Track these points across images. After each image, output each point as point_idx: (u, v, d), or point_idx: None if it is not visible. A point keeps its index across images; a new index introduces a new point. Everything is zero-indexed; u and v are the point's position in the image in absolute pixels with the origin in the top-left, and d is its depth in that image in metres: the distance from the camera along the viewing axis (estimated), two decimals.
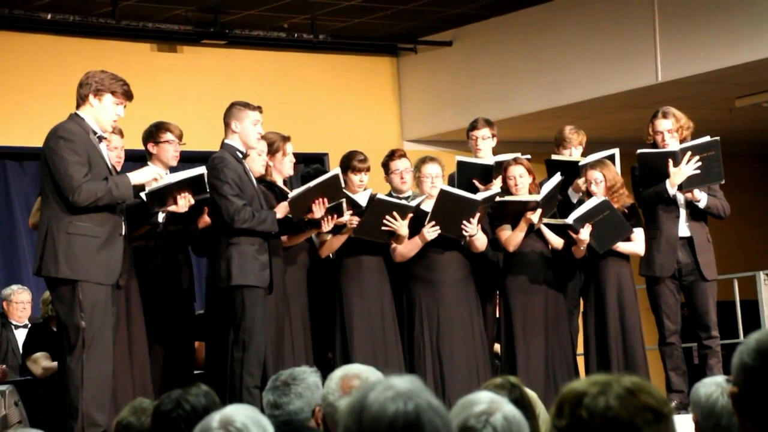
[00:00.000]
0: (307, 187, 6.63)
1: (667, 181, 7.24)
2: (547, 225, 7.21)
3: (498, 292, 7.58)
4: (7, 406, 6.98)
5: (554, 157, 7.67)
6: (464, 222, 7.01)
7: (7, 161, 10.20)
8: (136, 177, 6.09)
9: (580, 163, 7.53)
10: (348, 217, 6.84)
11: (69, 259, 5.84)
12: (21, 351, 8.53)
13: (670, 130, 7.35)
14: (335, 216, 6.74)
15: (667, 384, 7.41)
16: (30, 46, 10.10)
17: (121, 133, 6.78)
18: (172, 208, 6.30)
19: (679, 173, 7.21)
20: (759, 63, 9.60)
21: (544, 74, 10.75)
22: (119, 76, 6.12)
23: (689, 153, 7.22)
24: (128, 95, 6.09)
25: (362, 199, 6.97)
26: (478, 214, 7.04)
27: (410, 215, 7.03)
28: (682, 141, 7.41)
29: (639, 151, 7.38)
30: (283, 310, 6.83)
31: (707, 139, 7.32)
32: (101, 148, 6.08)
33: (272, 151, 6.98)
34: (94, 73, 6.08)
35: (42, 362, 7.72)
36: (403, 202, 7.17)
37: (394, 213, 7.00)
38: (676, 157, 7.22)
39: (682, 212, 7.34)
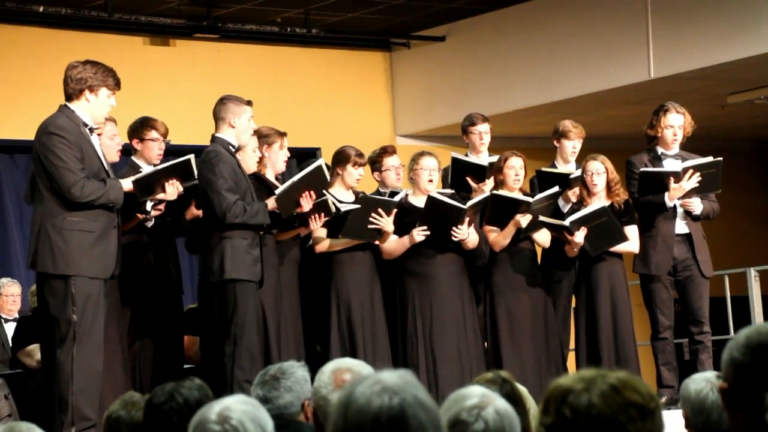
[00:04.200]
0: (292, 182, 6.63)
1: (666, 195, 7.25)
2: (544, 223, 7.21)
3: (484, 291, 7.59)
4: None
5: (544, 169, 7.68)
6: (453, 228, 7.01)
7: None
8: (127, 184, 6.09)
9: (571, 176, 7.54)
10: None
11: (65, 255, 5.83)
12: (11, 344, 8.51)
13: (681, 125, 7.37)
14: (322, 215, 6.74)
15: (658, 379, 7.42)
16: (22, 38, 10.08)
17: (114, 121, 6.76)
18: (160, 196, 6.29)
19: (678, 189, 7.23)
20: (751, 59, 9.61)
21: (538, 70, 10.75)
22: (106, 65, 6.10)
23: (691, 171, 7.24)
24: (119, 84, 6.09)
25: (346, 200, 6.98)
26: (467, 219, 7.04)
27: (395, 211, 7.03)
28: (683, 138, 7.42)
29: (642, 170, 7.35)
30: (279, 305, 6.83)
31: (710, 159, 7.33)
32: (93, 140, 6.06)
33: (268, 142, 6.99)
34: (83, 66, 6.04)
35: (36, 355, 7.69)
36: (387, 198, 7.17)
37: (380, 210, 6.99)
38: (678, 175, 7.23)
39: (679, 210, 7.35)
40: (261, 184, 6.92)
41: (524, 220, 7.12)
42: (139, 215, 6.54)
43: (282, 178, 7.31)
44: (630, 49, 10.13)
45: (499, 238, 7.23)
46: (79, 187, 5.84)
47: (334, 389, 3.56)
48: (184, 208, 6.77)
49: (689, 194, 7.28)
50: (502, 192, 7.23)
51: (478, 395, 2.70)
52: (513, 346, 7.23)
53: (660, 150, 7.43)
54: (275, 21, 10.90)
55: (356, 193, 7.23)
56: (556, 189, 7.33)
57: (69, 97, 6.03)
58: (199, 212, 6.68)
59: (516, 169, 7.24)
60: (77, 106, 6.01)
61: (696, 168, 7.25)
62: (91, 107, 6.01)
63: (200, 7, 10.42)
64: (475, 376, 5.34)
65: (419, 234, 7.04)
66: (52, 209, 5.89)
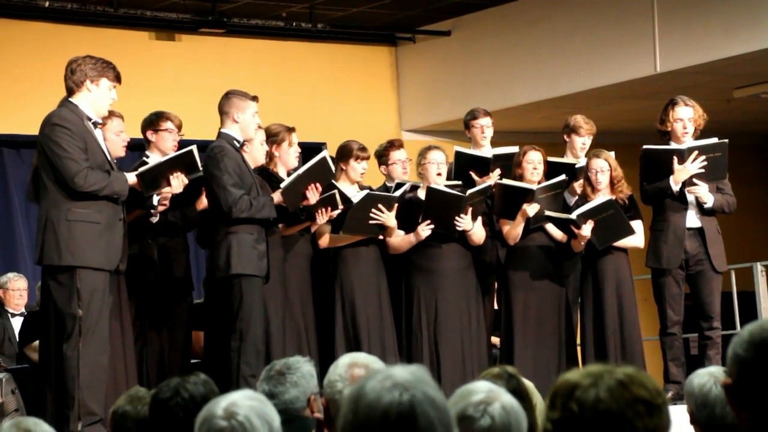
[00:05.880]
0: (297, 175, 6.64)
1: (671, 178, 7.25)
2: (551, 218, 7.21)
3: (497, 285, 7.59)
4: (4, 395, 6.99)
5: (551, 158, 7.68)
6: (456, 218, 7.02)
7: (5, 149, 10.20)
8: (132, 178, 6.09)
9: (576, 166, 7.54)
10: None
11: (70, 246, 5.83)
12: (18, 339, 8.53)
13: (691, 118, 7.35)
14: (329, 208, 6.75)
15: (665, 374, 7.42)
16: (28, 33, 10.09)
17: (121, 117, 6.78)
18: (166, 189, 6.28)
19: (683, 171, 7.21)
20: (757, 54, 9.60)
21: (543, 64, 10.74)
22: (106, 59, 6.11)
23: (696, 152, 7.22)
24: (119, 78, 6.11)
25: (352, 194, 6.99)
26: (469, 209, 7.05)
27: (396, 205, 7.04)
28: (695, 131, 7.41)
29: (644, 147, 7.36)
30: (284, 300, 6.84)
31: (715, 140, 7.31)
32: (97, 134, 6.07)
33: (277, 141, 7.00)
34: (83, 59, 6.06)
35: None
36: (388, 194, 7.18)
37: (380, 205, 7.00)
38: (682, 155, 7.22)
39: (689, 198, 7.33)
40: (270, 180, 6.93)
41: (531, 209, 7.13)
42: (137, 211, 6.52)
43: (293, 172, 7.34)
44: (636, 43, 10.12)
45: (510, 229, 7.25)
46: (82, 176, 5.84)
47: (351, 383, 3.56)
48: (191, 200, 6.78)
49: (696, 179, 7.26)
50: (505, 180, 7.24)
51: (484, 390, 2.70)
52: (526, 341, 7.24)
53: (673, 144, 7.42)
54: (280, 16, 10.90)
55: (362, 188, 7.23)
56: (562, 177, 7.33)
57: (71, 91, 6.04)
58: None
59: (534, 163, 7.26)
60: (79, 99, 6.01)
61: (701, 149, 7.24)
62: (93, 98, 6.01)
63: (205, 2, 10.42)
64: (478, 371, 5.34)
65: (424, 230, 7.05)
66: (57, 201, 5.89)
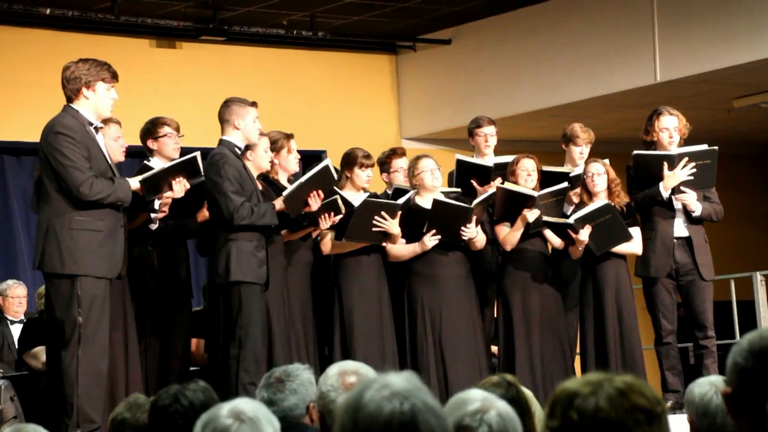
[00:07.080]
0: (300, 183, 6.65)
1: (661, 184, 7.26)
2: (548, 223, 7.22)
3: (496, 292, 7.59)
4: (3, 401, 6.98)
5: (545, 168, 7.69)
6: (462, 228, 7.03)
7: (5, 156, 10.20)
8: (134, 183, 6.09)
9: (571, 174, 7.55)
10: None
11: (73, 255, 5.82)
12: (17, 346, 8.53)
13: (676, 127, 7.38)
14: (332, 214, 6.76)
15: (662, 384, 7.42)
16: (28, 41, 10.10)
17: (119, 123, 6.77)
18: (168, 194, 6.28)
19: (673, 177, 7.23)
20: (758, 63, 9.61)
21: (543, 73, 10.75)
22: (99, 60, 6.10)
23: (686, 159, 7.24)
24: (116, 76, 6.09)
25: (357, 201, 6.99)
26: (474, 217, 7.06)
27: (399, 213, 7.04)
28: (680, 140, 7.43)
29: (635, 152, 7.38)
30: (286, 307, 6.83)
31: (705, 147, 7.33)
32: (98, 139, 6.06)
33: (276, 149, 7.01)
34: (75, 65, 6.05)
35: (42, 357, 7.71)
36: (390, 201, 7.18)
37: (383, 213, 7.00)
38: (672, 161, 7.24)
39: (676, 206, 7.35)
40: (272, 188, 6.94)
41: (531, 215, 7.15)
42: (143, 215, 6.54)
43: (294, 178, 7.36)
44: (636, 52, 10.13)
45: (509, 235, 7.25)
46: (87, 185, 5.84)
47: (343, 392, 3.55)
48: (193, 209, 6.78)
49: (684, 186, 7.27)
50: (507, 185, 7.25)
51: (479, 399, 2.70)
52: (526, 345, 7.24)
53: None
54: (281, 24, 10.91)
55: (368, 194, 7.24)
56: (564, 185, 7.34)
57: (69, 99, 6.04)
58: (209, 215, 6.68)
59: (528, 170, 7.28)
60: (79, 106, 6.01)
61: (691, 156, 7.26)
62: (93, 103, 6.01)
63: (206, 10, 10.44)
64: (484, 377, 5.33)
65: (431, 240, 7.05)
66: (60, 209, 5.88)
